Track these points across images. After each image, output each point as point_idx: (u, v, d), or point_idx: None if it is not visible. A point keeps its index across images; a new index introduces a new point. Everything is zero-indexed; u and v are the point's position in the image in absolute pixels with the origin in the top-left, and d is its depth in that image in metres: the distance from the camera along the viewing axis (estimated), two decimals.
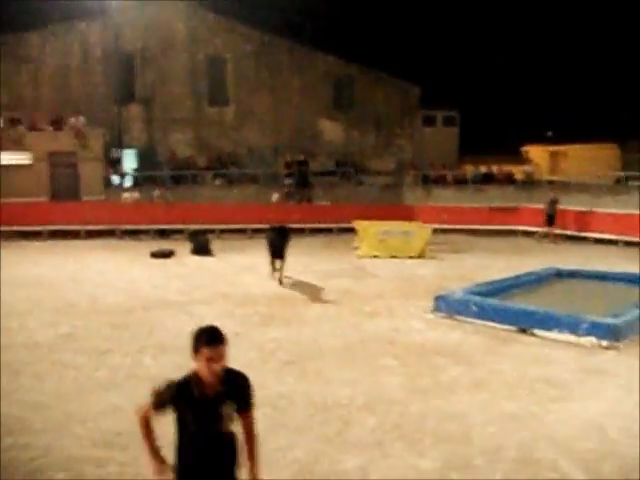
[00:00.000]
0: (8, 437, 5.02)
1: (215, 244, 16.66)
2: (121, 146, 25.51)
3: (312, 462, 4.86)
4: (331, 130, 29.10)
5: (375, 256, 16.02)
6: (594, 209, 19.65)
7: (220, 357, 3.07)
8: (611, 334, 8.04)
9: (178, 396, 3.10)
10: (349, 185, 25.07)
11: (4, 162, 20.41)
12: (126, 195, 21.41)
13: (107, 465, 4.52)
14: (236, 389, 3.20)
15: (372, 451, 5.06)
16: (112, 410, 5.64)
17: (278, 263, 12.07)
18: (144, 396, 5.89)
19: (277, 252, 12.01)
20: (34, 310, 9.72)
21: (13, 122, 22.09)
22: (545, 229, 19.67)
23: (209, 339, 3.08)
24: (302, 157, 26.95)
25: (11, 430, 5.17)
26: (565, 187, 22.52)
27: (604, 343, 8.00)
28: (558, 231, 19.52)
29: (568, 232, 19.63)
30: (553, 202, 19.57)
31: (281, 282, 11.89)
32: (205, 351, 3.04)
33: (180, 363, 6.98)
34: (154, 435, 3.24)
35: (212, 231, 18.53)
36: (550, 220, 19.42)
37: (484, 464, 4.52)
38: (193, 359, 3.11)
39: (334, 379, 6.72)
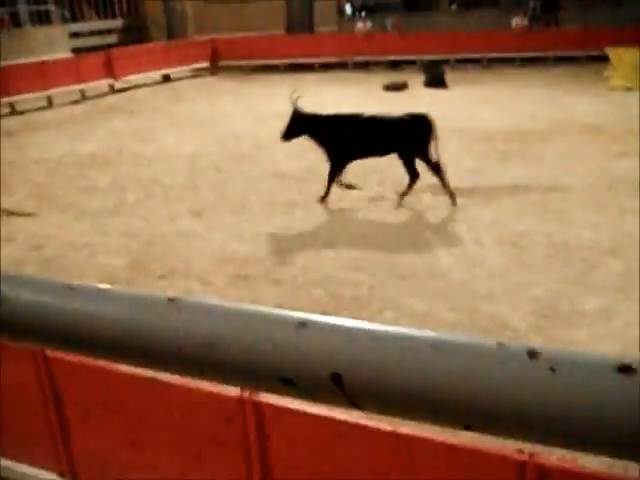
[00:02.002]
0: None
1: (448, 75, 16.10)
2: None
3: (552, 300, 4.88)
4: None
5: (630, 88, 14.30)
6: None
7: None
8: None
9: None
10: (606, 5, 22.01)
11: None
12: (359, 25, 21.19)
13: (360, 286, 5.03)
14: None
15: (615, 295, 4.91)
16: (359, 239, 6.11)
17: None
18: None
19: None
20: (277, 141, 10.48)
21: None
22: None
23: None
24: None
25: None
26: None
27: None
28: None
29: None
30: None
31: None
32: None
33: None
34: None
35: (446, 61, 17.83)
36: None
37: None
38: None
39: (577, 220, 6.45)
